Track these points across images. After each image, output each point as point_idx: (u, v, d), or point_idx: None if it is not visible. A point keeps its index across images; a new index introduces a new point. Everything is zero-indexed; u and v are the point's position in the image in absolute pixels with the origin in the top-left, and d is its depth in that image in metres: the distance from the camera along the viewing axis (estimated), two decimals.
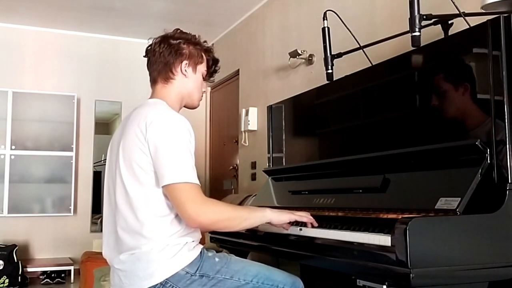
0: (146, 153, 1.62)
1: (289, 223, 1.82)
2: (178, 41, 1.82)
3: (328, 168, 2.25)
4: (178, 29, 1.87)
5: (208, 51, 1.91)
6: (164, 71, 1.81)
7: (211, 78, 1.98)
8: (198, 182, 1.61)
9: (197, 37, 1.88)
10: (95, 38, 5.72)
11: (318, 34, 2.55)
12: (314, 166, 2.39)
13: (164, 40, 1.83)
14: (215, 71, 1.98)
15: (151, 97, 1.83)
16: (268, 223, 1.77)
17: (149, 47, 1.85)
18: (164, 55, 1.80)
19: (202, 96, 1.93)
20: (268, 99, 4.08)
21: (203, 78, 1.90)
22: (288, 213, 1.80)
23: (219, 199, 4.42)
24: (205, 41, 1.91)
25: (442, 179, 1.64)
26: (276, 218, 1.77)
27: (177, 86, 1.82)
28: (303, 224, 1.85)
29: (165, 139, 1.61)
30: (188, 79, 1.83)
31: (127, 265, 1.64)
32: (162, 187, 1.60)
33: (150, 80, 1.87)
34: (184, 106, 1.90)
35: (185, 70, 1.81)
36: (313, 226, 1.82)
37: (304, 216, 1.81)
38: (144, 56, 1.89)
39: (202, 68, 1.88)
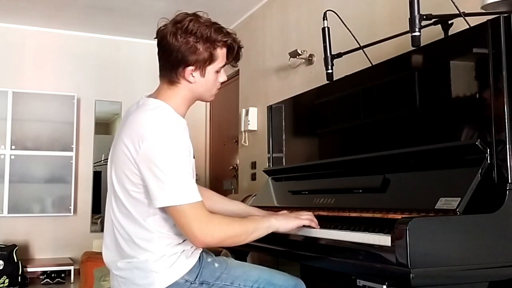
0: (136, 168, 1.53)
1: (297, 228, 1.78)
2: (187, 38, 1.58)
3: (328, 168, 2.24)
4: (193, 16, 1.62)
5: (227, 42, 1.65)
6: (168, 73, 1.64)
7: (235, 64, 1.76)
8: (199, 197, 1.52)
9: (213, 30, 1.61)
10: (95, 38, 5.72)
11: (318, 34, 2.54)
12: (314, 166, 2.38)
13: (173, 33, 1.59)
14: (239, 58, 1.73)
15: (155, 94, 1.68)
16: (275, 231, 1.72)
17: (159, 31, 1.64)
18: (169, 55, 1.61)
19: (217, 89, 1.74)
20: (268, 99, 4.08)
21: (219, 71, 1.69)
22: (294, 218, 1.75)
23: None
24: (222, 33, 1.64)
25: (442, 179, 1.64)
26: (283, 226, 1.71)
27: (182, 90, 1.66)
28: (309, 227, 1.81)
29: (159, 157, 1.50)
30: (194, 84, 1.65)
31: (125, 272, 1.62)
32: (163, 207, 1.53)
33: (159, 73, 1.68)
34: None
35: (190, 76, 1.63)
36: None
37: (312, 221, 1.78)
38: (155, 38, 1.67)
39: (216, 65, 1.65)
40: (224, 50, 1.67)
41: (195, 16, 1.63)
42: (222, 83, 1.75)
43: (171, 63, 1.62)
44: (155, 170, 1.50)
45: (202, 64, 1.63)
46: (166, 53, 1.62)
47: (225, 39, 1.65)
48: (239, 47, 1.71)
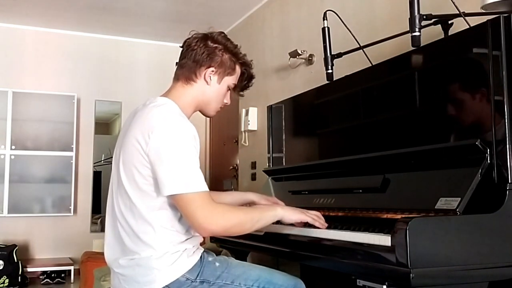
0: (146, 160, 1.57)
1: (301, 222, 1.78)
2: (216, 45, 1.74)
3: (328, 168, 2.25)
4: (223, 32, 1.80)
5: (245, 65, 1.83)
6: (188, 70, 1.74)
7: (242, 92, 1.90)
8: (207, 188, 1.56)
9: (238, 47, 1.80)
10: (95, 38, 5.71)
11: (318, 34, 2.54)
12: (314, 166, 2.38)
13: (203, 39, 1.75)
14: (247, 87, 1.90)
15: (165, 94, 1.77)
16: (279, 220, 1.73)
17: (188, 39, 1.77)
18: (196, 54, 1.72)
19: (221, 107, 1.84)
20: (268, 99, 4.08)
21: (229, 90, 1.82)
22: (301, 212, 1.75)
23: None
24: (245, 54, 1.83)
25: (442, 179, 1.64)
26: (287, 216, 1.72)
27: (196, 90, 1.75)
28: (313, 226, 1.80)
29: (169, 147, 1.55)
30: (209, 87, 1.75)
31: (127, 270, 1.63)
32: (169, 196, 1.56)
33: (175, 75, 1.79)
34: (198, 111, 1.83)
35: (209, 77, 1.74)
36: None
37: (316, 221, 1.77)
38: (180, 46, 1.80)
39: (230, 80, 1.79)
40: (239, 71, 1.82)
41: (224, 33, 1.80)
42: (226, 105, 1.87)
43: (196, 60, 1.73)
44: (163, 159, 1.54)
45: (223, 71, 1.76)
46: (193, 52, 1.73)
47: (244, 59, 1.83)
48: (252, 77, 1.87)
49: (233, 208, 1.65)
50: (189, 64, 1.74)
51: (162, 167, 1.54)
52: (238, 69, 1.80)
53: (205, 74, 1.73)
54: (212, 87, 1.75)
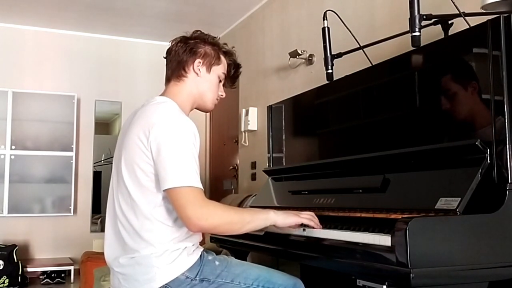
0: (148, 155, 1.59)
1: (296, 225, 1.77)
2: (195, 40, 1.81)
3: (328, 168, 2.24)
4: (199, 30, 1.86)
5: (228, 54, 1.89)
6: (177, 69, 1.79)
7: (232, 84, 1.94)
8: (201, 186, 1.57)
9: (216, 38, 1.87)
10: (95, 38, 5.71)
11: (318, 34, 2.55)
12: (314, 166, 2.38)
13: (182, 40, 1.82)
14: (236, 76, 1.94)
15: (161, 94, 1.81)
16: (273, 225, 1.73)
17: (169, 48, 1.85)
18: (179, 53, 1.79)
19: (217, 99, 1.88)
20: (268, 99, 4.08)
21: (221, 81, 1.86)
22: (294, 215, 1.75)
23: (219, 199, 4.42)
24: (225, 44, 1.89)
25: (442, 179, 1.64)
26: (282, 220, 1.71)
27: (189, 85, 1.79)
28: (308, 226, 1.80)
29: (168, 141, 1.57)
30: (200, 78, 1.80)
31: (127, 269, 1.63)
32: (164, 190, 1.57)
33: (165, 79, 1.84)
34: (196, 108, 1.86)
35: (198, 69, 1.79)
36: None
37: (311, 220, 1.76)
38: (164, 57, 1.87)
39: (218, 69, 1.84)
40: (226, 61, 1.87)
41: (200, 31, 1.86)
42: (222, 97, 1.91)
43: (181, 58, 1.79)
44: (162, 154, 1.56)
45: (209, 60, 1.81)
46: (176, 53, 1.80)
47: (226, 48, 1.88)
48: (238, 65, 1.93)
49: (225, 206, 1.64)
50: (176, 63, 1.80)
51: (160, 162, 1.57)
52: (223, 58, 1.86)
53: (193, 67, 1.79)
54: (203, 78, 1.80)
